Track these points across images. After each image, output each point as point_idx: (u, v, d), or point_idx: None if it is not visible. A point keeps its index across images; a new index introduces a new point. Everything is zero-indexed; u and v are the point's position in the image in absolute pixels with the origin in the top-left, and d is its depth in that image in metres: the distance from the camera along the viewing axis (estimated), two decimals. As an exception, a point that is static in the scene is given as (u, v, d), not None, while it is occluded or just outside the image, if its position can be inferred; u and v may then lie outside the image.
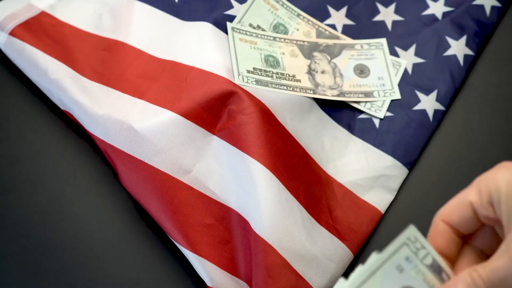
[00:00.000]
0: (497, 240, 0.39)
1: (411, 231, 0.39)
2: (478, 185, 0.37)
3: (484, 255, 0.40)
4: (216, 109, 0.57)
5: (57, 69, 0.60)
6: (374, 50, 0.65)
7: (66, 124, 0.61)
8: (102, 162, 0.59)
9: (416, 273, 0.39)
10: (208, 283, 0.52)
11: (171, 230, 0.53)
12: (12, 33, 0.62)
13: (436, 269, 0.39)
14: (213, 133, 0.57)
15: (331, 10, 0.67)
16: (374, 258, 0.38)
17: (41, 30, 0.63)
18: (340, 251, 0.54)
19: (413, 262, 0.39)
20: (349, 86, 0.62)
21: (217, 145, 0.56)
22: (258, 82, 0.59)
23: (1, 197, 0.57)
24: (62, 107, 0.61)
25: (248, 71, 0.60)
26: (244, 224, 0.53)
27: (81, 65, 0.61)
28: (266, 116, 0.56)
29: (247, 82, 0.59)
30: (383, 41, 0.65)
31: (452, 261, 0.40)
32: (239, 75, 0.59)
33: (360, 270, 0.38)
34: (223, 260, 0.53)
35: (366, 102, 0.62)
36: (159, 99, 0.58)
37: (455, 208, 0.39)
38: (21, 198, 0.57)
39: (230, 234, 0.54)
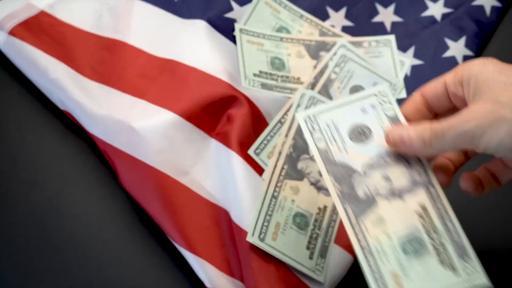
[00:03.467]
0: None
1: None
2: (456, 68, 0.43)
3: None
4: (216, 112, 0.57)
5: (57, 69, 0.60)
6: (382, 48, 0.65)
7: (66, 125, 0.61)
8: (102, 162, 0.59)
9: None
10: (207, 284, 0.52)
11: (170, 231, 0.54)
12: (12, 33, 0.62)
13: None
14: (212, 136, 0.57)
15: (330, 11, 0.67)
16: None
17: (41, 29, 0.63)
18: (338, 254, 0.54)
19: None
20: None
21: (215, 148, 0.57)
22: (263, 86, 0.60)
23: (1, 197, 0.57)
24: (61, 107, 0.61)
25: (255, 75, 0.60)
26: (237, 229, 0.53)
27: (81, 64, 0.61)
28: (263, 123, 0.58)
29: (253, 86, 0.59)
30: (392, 38, 0.65)
31: None
32: (245, 78, 0.60)
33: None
34: (221, 261, 0.53)
35: None
36: (159, 100, 0.58)
37: (432, 85, 0.45)
38: (21, 198, 0.57)
39: (226, 236, 0.54)
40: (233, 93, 0.58)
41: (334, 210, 0.55)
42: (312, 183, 0.56)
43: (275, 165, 0.55)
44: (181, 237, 0.53)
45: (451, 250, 0.42)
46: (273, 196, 0.54)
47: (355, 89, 0.61)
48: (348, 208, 0.43)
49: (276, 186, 0.55)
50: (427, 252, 0.41)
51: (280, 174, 0.55)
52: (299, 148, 0.57)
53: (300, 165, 0.57)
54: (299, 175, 0.56)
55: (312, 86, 0.61)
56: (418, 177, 0.44)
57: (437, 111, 0.46)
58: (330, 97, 0.61)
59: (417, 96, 0.46)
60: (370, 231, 0.42)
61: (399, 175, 0.44)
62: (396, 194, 0.44)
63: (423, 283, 0.41)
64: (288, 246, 0.53)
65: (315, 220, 0.54)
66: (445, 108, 0.45)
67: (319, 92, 0.60)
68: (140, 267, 0.54)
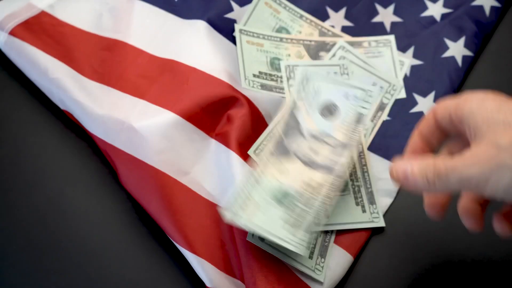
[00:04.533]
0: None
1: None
2: (459, 99, 0.43)
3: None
4: (217, 113, 0.57)
5: (57, 69, 0.60)
6: (382, 48, 0.65)
7: (66, 124, 0.61)
8: (102, 162, 0.59)
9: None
10: (207, 284, 0.52)
11: (171, 230, 0.54)
12: (12, 33, 0.62)
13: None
14: (211, 137, 0.57)
15: (330, 11, 0.67)
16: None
17: (41, 29, 0.63)
18: (338, 254, 0.54)
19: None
20: None
21: (215, 148, 0.57)
22: (263, 86, 0.60)
23: (1, 197, 0.58)
24: (62, 107, 0.61)
25: (254, 75, 0.60)
26: (237, 228, 0.53)
27: (81, 64, 0.61)
28: (262, 124, 0.58)
29: (252, 86, 0.60)
30: (391, 38, 0.65)
31: None
32: (245, 79, 0.60)
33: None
34: (221, 261, 0.53)
35: None
36: (160, 100, 0.58)
37: (424, 121, 0.46)
38: (21, 198, 0.57)
39: (226, 236, 0.54)
40: (233, 94, 0.58)
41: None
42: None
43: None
44: (181, 237, 0.53)
45: (364, 195, 0.56)
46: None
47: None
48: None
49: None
50: (348, 191, 0.56)
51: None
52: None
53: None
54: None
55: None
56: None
57: (434, 143, 0.46)
58: None
59: (414, 136, 0.46)
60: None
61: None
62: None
63: (341, 211, 0.55)
64: None
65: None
66: (440, 139, 0.46)
67: None
68: (140, 267, 0.55)
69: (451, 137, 0.46)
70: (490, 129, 0.39)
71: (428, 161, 0.41)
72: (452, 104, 0.43)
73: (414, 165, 0.42)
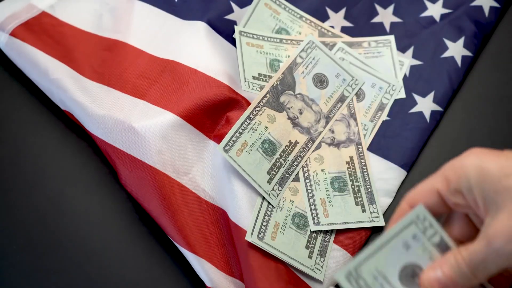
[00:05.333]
0: (470, 225, 0.40)
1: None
2: (445, 172, 0.38)
3: (458, 241, 0.41)
4: (216, 114, 0.58)
5: (58, 69, 0.60)
6: (382, 48, 0.65)
7: (66, 124, 0.61)
8: (102, 162, 0.59)
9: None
10: (207, 284, 0.52)
11: (171, 230, 0.54)
12: (13, 34, 0.62)
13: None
14: (210, 138, 0.58)
15: (330, 12, 0.67)
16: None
17: (42, 30, 0.63)
18: (338, 254, 0.54)
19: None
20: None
21: (214, 150, 0.57)
22: (262, 88, 0.60)
23: (1, 197, 0.58)
24: (62, 107, 0.61)
25: (254, 77, 0.61)
26: (236, 228, 0.53)
27: (82, 65, 0.62)
28: None
29: (252, 88, 0.60)
30: (391, 38, 0.65)
31: None
32: (245, 81, 0.60)
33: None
34: (221, 261, 0.53)
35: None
36: (160, 100, 0.58)
37: (422, 194, 0.40)
38: (21, 198, 0.58)
39: (225, 236, 0.54)
40: (233, 96, 0.58)
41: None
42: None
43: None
44: (181, 237, 0.53)
45: (364, 195, 0.56)
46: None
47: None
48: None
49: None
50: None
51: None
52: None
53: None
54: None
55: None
56: (353, 136, 0.59)
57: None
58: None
59: (407, 208, 0.40)
60: (312, 165, 0.57)
61: (340, 131, 0.59)
62: (334, 143, 0.58)
63: (341, 211, 0.55)
64: (287, 245, 0.53)
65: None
66: (441, 213, 0.41)
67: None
68: (140, 266, 0.55)
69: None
70: (505, 199, 0.36)
71: (455, 257, 0.38)
72: (440, 183, 0.39)
73: (443, 267, 0.38)
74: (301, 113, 0.58)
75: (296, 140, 0.57)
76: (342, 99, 0.61)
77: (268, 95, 0.58)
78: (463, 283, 0.37)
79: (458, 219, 0.41)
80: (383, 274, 0.39)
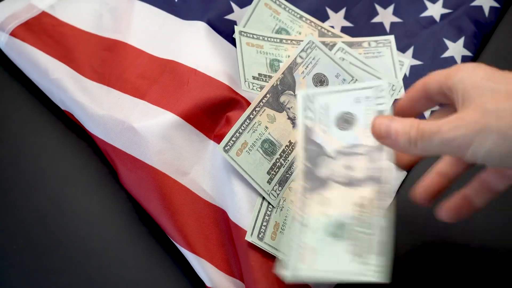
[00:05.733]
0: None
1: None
2: (449, 70, 0.43)
3: None
4: (216, 115, 0.58)
5: (58, 69, 0.61)
6: (382, 48, 0.65)
7: (66, 124, 0.61)
8: (102, 162, 0.60)
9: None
10: (207, 284, 0.52)
11: (171, 230, 0.54)
12: (13, 34, 0.62)
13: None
14: (210, 138, 0.58)
15: (330, 12, 0.67)
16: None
17: (42, 30, 0.63)
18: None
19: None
20: None
21: (214, 150, 0.57)
22: (262, 88, 0.60)
23: (1, 197, 0.58)
24: (62, 107, 0.61)
25: (254, 77, 0.61)
26: (236, 228, 0.53)
27: (82, 65, 0.62)
28: None
29: (252, 88, 0.60)
30: (391, 38, 0.65)
31: None
32: (245, 81, 0.60)
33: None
34: (221, 261, 0.53)
35: None
36: (160, 100, 0.58)
37: (414, 88, 0.45)
38: (21, 198, 0.58)
39: (225, 236, 0.54)
40: (233, 96, 0.58)
41: None
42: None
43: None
44: (181, 237, 0.53)
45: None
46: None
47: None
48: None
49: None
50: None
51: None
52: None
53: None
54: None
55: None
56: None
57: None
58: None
59: (418, 85, 0.45)
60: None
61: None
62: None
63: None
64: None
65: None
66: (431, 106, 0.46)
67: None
68: (140, 266, 0.55)
69: (438, 107, 0.46)
70: (478, 95, 0.39)
71: (413, 121, 0.41)
72: (443, 74, 0.43)
73: (398, 123, 0.42)
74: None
75: (296, 141, 0.58)
76: None
77: (268, 95, 0.58)
78: (402, 144, 0.41)
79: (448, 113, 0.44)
80: (327, 108, 0.47)
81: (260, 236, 0.52)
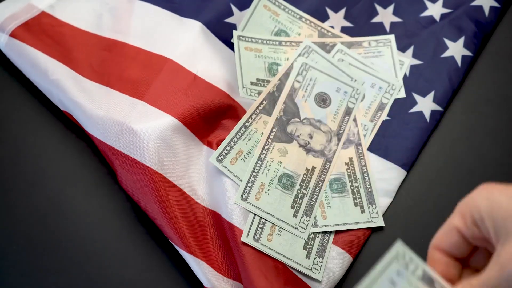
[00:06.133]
0: (490, 258, 0.40)
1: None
2: (460, 209, 0.39)
3: None
4: (212, 120, 0.58)
5: (57, 70, 0.60)
6: (382, 47, 0.65)
7: (66, 125, 0.61)
8: (102, 162, 0.59)
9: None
10: (205, 284, 0.52)
11: (168, 231, 0.54)
12: (13, 35, 0.62)
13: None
14: (204, 143, 0.58)
15: (330, 12, 0.67)
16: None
17: (41, 30, 0.63)
18: (337, 254, 0.54)
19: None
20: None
21: (207, 155, 0.57)
22: (260, 94, 0.60)
23: (1, 197, 0.58)
24: (62, 108, 0.61)
25: (252, 83, 0.61)
26: (231, 230, 0.53)
27: (81, 65, 0.61)
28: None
29: (250, 95, 0.60)
30: (391, 37, 0.65)
31: (455, 283, 0.40)
32: (243, 87, 0.60)
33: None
34: (218, 262, 0.53)
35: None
36: (159, 102, 0.58)
37: (444, 236, 0.40)
38: (21, 198, 0.58)
39: (221, 238, 0.54)
40: (231, 103, 0.59)
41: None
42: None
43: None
44: (178, 238, 0.53)
45: (363, 196, 0.57)
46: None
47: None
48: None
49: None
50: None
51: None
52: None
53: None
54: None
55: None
56: (352, 137, 0.59)
57: (460, 256, 0.41)
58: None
59: (435, 253, 0.41)
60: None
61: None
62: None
63: (339, 213, 0.56)
64: (284, 247, 0.53)
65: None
66: (468, 251, 0.40)
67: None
68: (139, 267, 0.55)
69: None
70: None
71: (464, 286, 0.37)
72: (463, 211, 0.39)
73: None
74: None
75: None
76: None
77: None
78: None
79: (482, 254, 0.41)
80: (314, 83, 0.51)
81: (256, 237, 0.52)
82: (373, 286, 0.40)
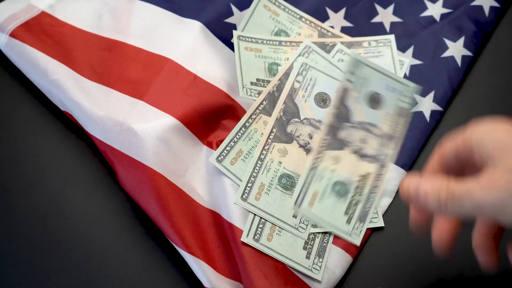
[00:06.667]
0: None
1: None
2: (465, 132, 0.42)
3: None
4: (212, 120, 0.58)
5: (57, 70, 0.60)
6: (382, 47, 0.65)
7: (66, 125, 0.61)
8: (102, 162, 0.60)
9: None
10: (205, 284, 0.52)
11: (168, 231, 0.54)
12: (13, 35, 0.62)
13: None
14: (204, 143, 0.58)
15: (330, 12, 0.67)
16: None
17: (41, 30, 0.63)
18: (337, 255, 0.54)
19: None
20: None
21: (206, 155, 0.57)
22: (260, 94, 0.60)
23: (1, 197, 0.58)
24: (62, 108, 0.61)
25: (252, 83, 0.61)
26: (231, 230, 0.53)
27: (81, 65, 0.62)
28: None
29: (250, 95, 0.60)
30: (391, 37, 0.65)
31: None
32: (243, 88, 0.60)
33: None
34: (218, 262, 0.53)
35: None
36: (159, 102, 0.58)
37: (448, 148, 0.43)
38: (21, 198, 0.58)
39: (221, 238, 0.54)
40: (230, 103, 0.59)
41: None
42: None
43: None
44: (178, 238, 0.53)
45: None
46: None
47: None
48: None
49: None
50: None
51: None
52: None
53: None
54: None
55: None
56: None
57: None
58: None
59: (435, 157, 0.44)
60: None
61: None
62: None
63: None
64: (283, 247, 0.53)
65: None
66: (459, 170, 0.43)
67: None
68: (139, 267, 0.55)
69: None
70: (504, 154, 0.38)
71: (442, 182, 0.40)
72: (459, 139, 0.42)
73: (427, 184, 0.40)
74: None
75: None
76: None
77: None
78: (432, 205, 0.40)
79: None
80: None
81: (256, 237, 0.52)
82: (379, 77, 0.48)
